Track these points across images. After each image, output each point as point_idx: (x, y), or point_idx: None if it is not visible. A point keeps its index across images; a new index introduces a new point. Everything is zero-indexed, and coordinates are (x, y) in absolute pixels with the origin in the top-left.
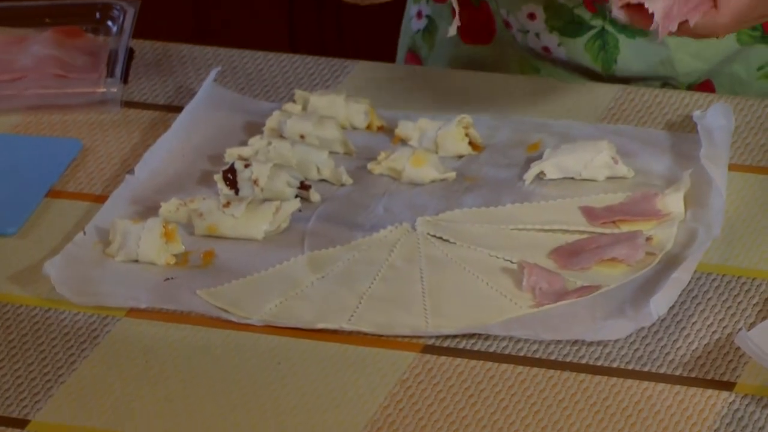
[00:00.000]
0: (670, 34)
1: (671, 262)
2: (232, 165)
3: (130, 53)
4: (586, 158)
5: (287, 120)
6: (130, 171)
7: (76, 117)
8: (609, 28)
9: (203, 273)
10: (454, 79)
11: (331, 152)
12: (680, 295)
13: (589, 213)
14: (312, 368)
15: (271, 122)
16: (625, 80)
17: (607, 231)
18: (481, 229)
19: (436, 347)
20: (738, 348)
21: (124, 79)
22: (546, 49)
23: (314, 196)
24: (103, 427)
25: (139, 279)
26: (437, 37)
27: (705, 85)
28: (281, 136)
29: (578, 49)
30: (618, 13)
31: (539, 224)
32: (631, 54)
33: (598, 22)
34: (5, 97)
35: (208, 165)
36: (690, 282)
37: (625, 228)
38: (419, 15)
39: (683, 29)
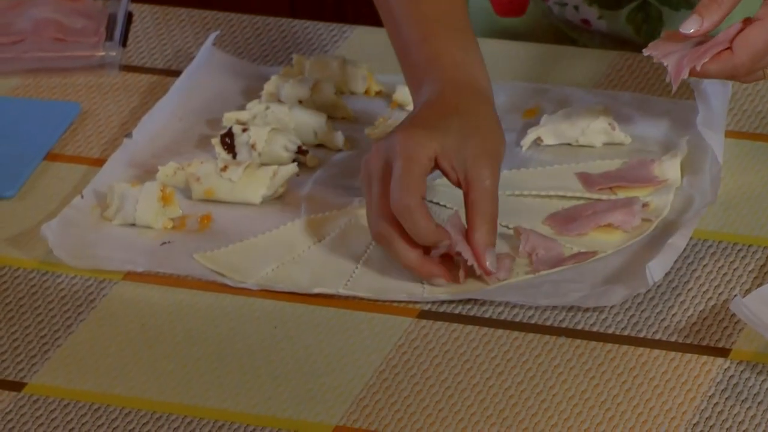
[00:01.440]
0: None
1: (667, 228)
2: (230, 129)
3: (129, 17)
4: (583, 124)
5: (285, 84)
6: (128, 135)
7: (74, 80)
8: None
9: (200, 237)
10: None
11: (328, 117)
12: (676, 262)
13: (586, 179)
14: (308, 333)
15: (269, 87)
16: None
17: (604, 197)
18: None
19: (432, 312)
20: (733, 314)
21: (123, 42)
22: (585, 21)
23: (312, 160)
24: (99, 390)
25: (136, 242)
26: (468, 7)
27: None
28: (279, 101)
29: (620, 21)
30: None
31: (536, 190)
32: (675, 26)
33: None
34: (4, 60)
35: (206, 129)
36: (686, 249)
37: (621, 194)
38: None
39: (702, 71)
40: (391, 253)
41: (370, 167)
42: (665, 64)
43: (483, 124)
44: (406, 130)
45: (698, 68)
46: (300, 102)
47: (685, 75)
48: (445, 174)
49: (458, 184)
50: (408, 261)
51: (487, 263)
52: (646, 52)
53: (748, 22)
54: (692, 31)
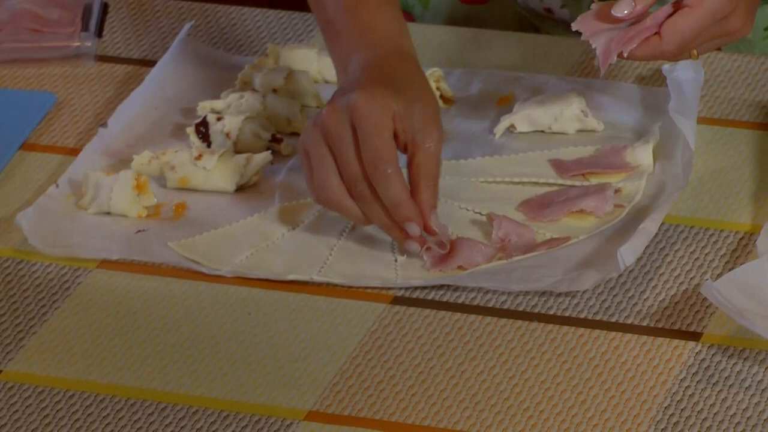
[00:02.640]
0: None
1: (640, 214)
2: (205, 118)
3: (105, 7)
4: (556, 111)
5: (259, 74)
6: (104, 124)
7: (50, 70)
8: None
9: (175, 225)
10: (424, 33)
11: (303, 106)
12: (648, 247)
13: (559, 166)
14: (282, 319)
15: (243, 76)
16: None
17: (577, 183)
18: (451, 182)
19: (405, 298)
20: (705, 299)
21: (99, 33)
22: (548, 10)
23: (286, 148)
24: (74, 377)
25: (110, 231)
26: None
27: None
28: (253, 90)
29: (583, 10)
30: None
31: (509, 177)
32: None
33: None
34: None
35: (180, 118)
36: (658, 234)
37: (594, 180)
38: None
39: (630, 56)
40: (370, 214)
41: (330, 129)
42: (593, 46)
43: (422, 90)
44: (365, 90)
45: (626, 54)
46: (274, 91)
47: (613, 60)
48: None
49: (404, 148)
50: (388, 224)
51: (432, 224)
52: (574, 26)
53: (677, 5)
54: (625, 13)
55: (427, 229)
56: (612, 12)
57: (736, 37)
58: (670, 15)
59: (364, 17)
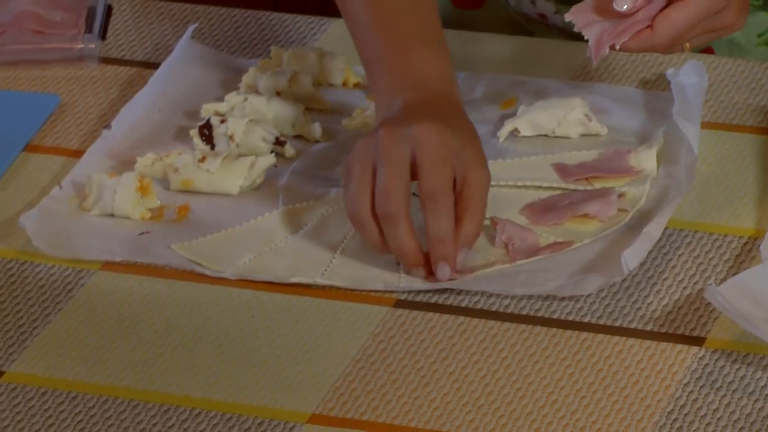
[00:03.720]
0: (618, 50)
1: (643, 218)
2: (208, 120)
3: (109, 9)
4: (560, 115)
5: (263, 76)
6: (107, 126)
7: (54, 72)
8: None
9: (178, 227)
10: None
11: (306, 108)
12: (652, 251)
13: (562, 170)
14: (285, 322)
15: (247, 78)
16: None
17: (580, 187)
18: None
19: (408, 302)
20: (708, 303)
21: (102, 35)
22: (542, 15)
23: (289, 151)
24: (77, 379)
25: (114, 233)
26: None
27: (705, 51)
28: (257, 92)
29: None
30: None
31: (512, 180)
32: None
33: None
34: None
35: (184, 120)
36: (662, 238)
37: (597, 184)
38: None
39: (622, 48)
40: (392, 233)
41: (387, 148)
42: (586, 37)
43: (472, 133)
44: (428, 124)
45: (617, 47)
46: (278, 93)
47: (605, 52)
48: None
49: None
50: (408, 246)
51: (458, 259)
52: (567, 17)
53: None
54: (625, 8)
55: (452, 268)
56: (614, 6)
57: (729, 32)
58: (664, 8)
59: (412, 58)
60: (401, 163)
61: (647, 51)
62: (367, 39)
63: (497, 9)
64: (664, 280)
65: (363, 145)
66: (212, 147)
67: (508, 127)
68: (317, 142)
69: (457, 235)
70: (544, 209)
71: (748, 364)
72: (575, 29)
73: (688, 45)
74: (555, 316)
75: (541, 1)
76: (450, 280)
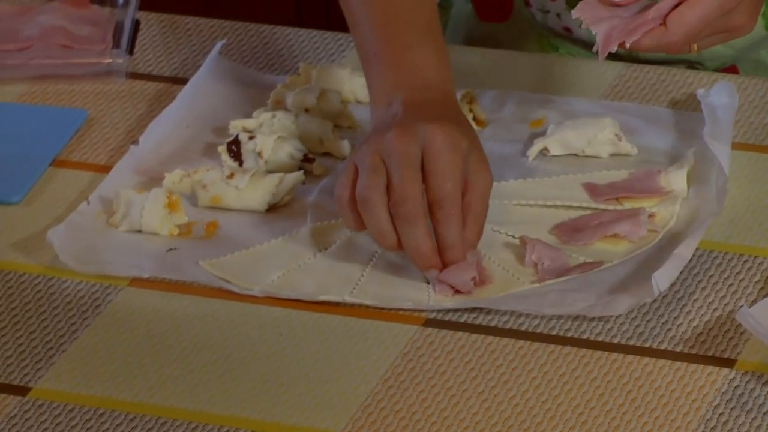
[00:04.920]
0: (629, 48)
1: (673, 239)
2: (237, 137)
3: (136, 25)
4: (590, 135)
5: (291, 93)
6: (135, 141)
7: (81, 87)
8: None
9: (206, 244)
10: (458, 54)
11: (335, 125)
12: (682, 272)
13: (592, 189)
14: (313, 340)
15: (275, 95)
16: (649, 62)
17: (610, 207)
18: None
19: (437, 321)
20: (739, 325)
21: (130, 50)
22: (567, 29)
23: (318, 168)
24: (104, 395)
25: (141, 249)
26: (452, 12)
27: (730, 70)
28: (286, 109)
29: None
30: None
31: (542, 200)
32: None
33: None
34: (11, 66)
35: (212, 137)
36: (692, 259)
37: (627, 205)
38: None
39: (634, 47)
40: (411, 233)
41: (397, 148)
42: (594, 32)
43: (473, 134)
44: (441, 125)
45: (628, 45)
46: (306, 110)
47: (613, 48)
48: None
49: None
50: (425, 247)
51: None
52: (575, 14)
53: None
54: None
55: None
56: None
57: (739, 33)
58: (675, 6)
59: (411, 54)
60: (415, 164)
61: (660, 50)
62: (366, 34)
63: (522, 22)
64: (695, 301)
65: (372, 143)
66: (240, 163)
67: (537, 146)
68: (346, 159)
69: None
70: (573, 229)
71: None
72: (583, 26)
73: (695, 47)
74: (585, 337)
75: (567, 15)
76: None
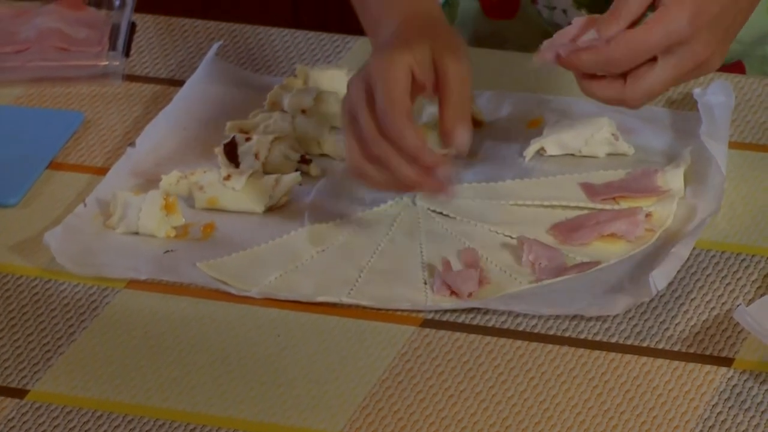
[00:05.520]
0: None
1: (670, 238)
2: (233, 138)
3: (132, 27)
4: (587, 135)
5: (288, 94)
6: (132, 143)
7: (78, 89)
8: None
9: (203, 245)
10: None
11: (331, 127)
12: (679, 272)
13: (589, 189)
14: (311, 341)
15: (272, 96)
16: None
17: (607, 207)
18: (481, 205)
19: (435, 321)
20: (736, 324)
21: (126, 52)
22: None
23: (315, 170)
24: (102, 397)
25: (139, 251)
26: (459, 9)
27: (736, 66)
28: (282, 110)
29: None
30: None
31: (539, 200)
32: None
33: None
34: (8, 68)
35: (209, 138)
36: (689, 258)
37: (624, 204)
38: None
39: (573, 61)
40: (391, 172)
41: (351, 100)
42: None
43: (446, 30)
44: (379, 54)
45: (563, 53)
46: (303, 111)
47: (550, 57)
48: (421, 88)
49: (434, 90)
50: (409, 175)
51: (456, 134)
52: (535, 59)
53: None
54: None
55: (447, 142)
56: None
57: (703, 69)
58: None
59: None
60: (360, 104)
61: (618, 104)
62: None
63: (529, 19)
64: (692, 300)
65: (342, 103)
66: (237, 165)
67: (534, 146)
68: (343, 160)
69: (442, 118)
70: (571, 229)
71: None
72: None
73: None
74: (582, 336)
75: (573, 11)
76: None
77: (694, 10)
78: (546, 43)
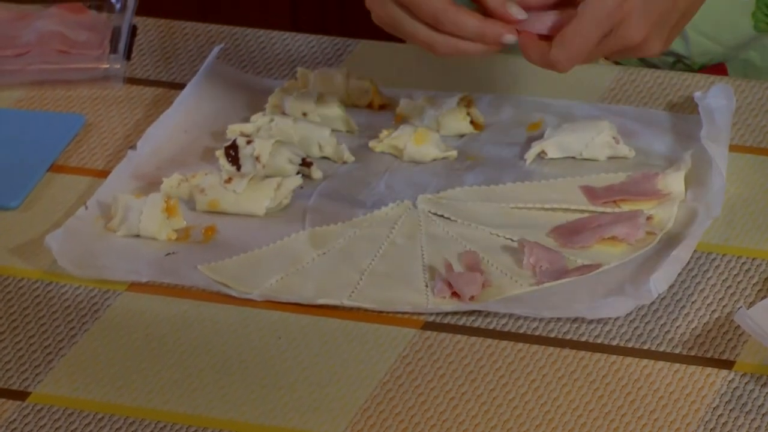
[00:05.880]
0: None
1: (671, 241)
2: (234, 141)
3: (133, 30)
4: (587, 138)
5: (289, 97)
6: (133, 146)
7: (79, 92)
8: None
9: (204, 248)
10: (456, 58)
11: (333, 130)
12: (680, 274)
13: (590, 192)
14: (312, 344)
15: (273, 99)
16: (646, 64)
17: (608, 210)
18: (481, 207)
19: (436, 324)
20: (737, 327)
21: (127, 55)
22: None
23: (316, 173)
24: (103, 400)
25: (140, 253)
26: None
27: (718, 68)
28: (283, 113)
29: None
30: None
31: (540, 203)
32: None
33: None
34: (9, 72)
35: (210, 141)
36: (690, 261)
37: (625, 207)
38: None
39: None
40: (451, 27)
41: (392, 20)
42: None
43: None
44: None
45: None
46: (304, 115)
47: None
48: None
49: None
50: (473, 28)
51: (512, 10)
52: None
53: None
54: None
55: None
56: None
57: (644, 52)
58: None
59: None
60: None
61: (546, 68)
62: None
63: None
64: (693, 303)
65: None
66: (238, 168)
67: (535, 149)
68: (344, 163)
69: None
70: (571, 232)
71: None
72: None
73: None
74: (583, 339)
75: None
76: None
77: None
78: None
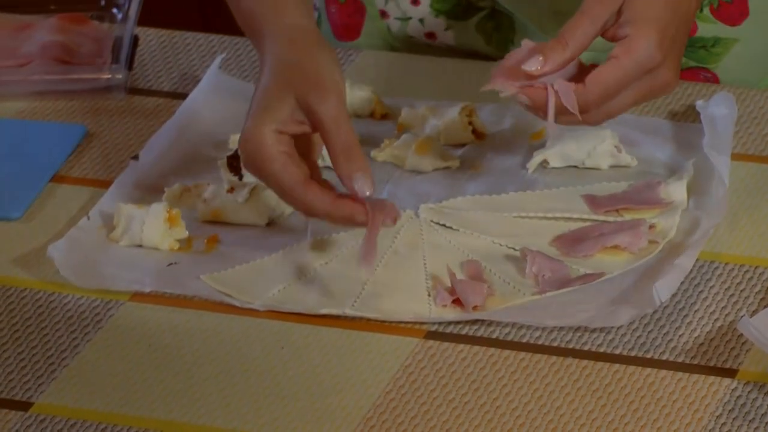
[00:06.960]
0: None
1: (674, 249)
2: (237, 151)
3: (135, 40)
4: (589, 147)
5: None
6: (135, 156)
7: (80, 103)
8: (500, 7)
9: (207, 258)
10: (458, 68)
11: None
12: (683, 283)
13: (592, 201)
14: (315, 353)
15: None
16: None
17: (611, 219)
18: (484, 217)
19: (439, 333)
20: (740, 335)
21: (129, 65)
22: (430, 35)
23: None
24: (106, 410)
25: (142, 263)
26: (322, 30)
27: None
28: None
29: (469, 31)
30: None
31: (542, 212)
32: (527, 35)
33: (487, 3)
34: (11, 82)
35: (212, 151)
36: (693, 269)
37: (628, 216)
38: None
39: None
40: (301, 205)
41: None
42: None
43: (316, 70)
44: (246, 131)
45: (518, 88)
46: None
47: (501, 83)
48: (301, 134)
49: (313, 128)
50: (321, 209)
51: (355, 186)
52: (485, 88)
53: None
54: (533, 69)
55: (352, 192)
56: (523, 67)
57: (666, 91)
58: (592, 67)
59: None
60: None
61: (576, 111)
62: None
63: (375, 37)
64: (696, 311)
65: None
66: (240, 177)
67: (537, 158)
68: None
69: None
70: (574, 241)
71: None
72: (501, 95)
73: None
74: (586, 348)
75: (431, 19)
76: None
77: (658, 36)
78: (495, 68)
